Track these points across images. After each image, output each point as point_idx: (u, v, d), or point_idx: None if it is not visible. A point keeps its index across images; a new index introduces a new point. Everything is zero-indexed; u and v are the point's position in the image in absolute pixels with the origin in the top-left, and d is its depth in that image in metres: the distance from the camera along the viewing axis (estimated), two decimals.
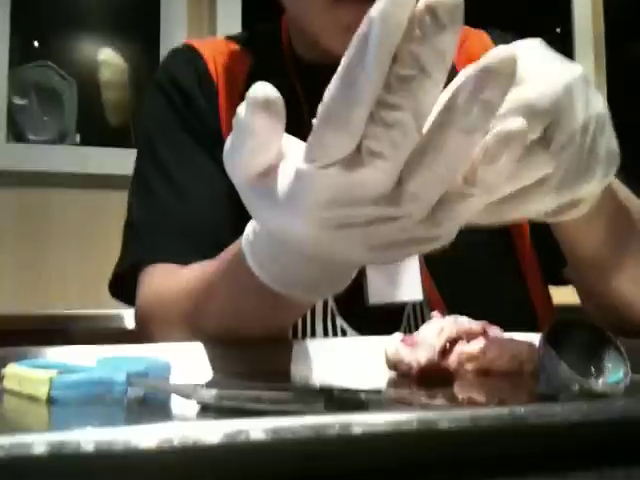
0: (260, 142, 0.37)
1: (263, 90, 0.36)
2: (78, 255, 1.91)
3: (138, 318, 0.69)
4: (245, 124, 0.36)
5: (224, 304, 0.55)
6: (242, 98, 0.37)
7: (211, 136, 0.72)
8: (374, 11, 0.31)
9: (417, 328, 0.52)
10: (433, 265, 0.68)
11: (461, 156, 0.34)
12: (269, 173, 0.38)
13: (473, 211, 0.37)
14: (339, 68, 0.33)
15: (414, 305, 0.69)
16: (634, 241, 0.60)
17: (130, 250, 0.74)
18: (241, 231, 0.47)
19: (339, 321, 0.68)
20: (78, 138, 1.98)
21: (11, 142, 1.92)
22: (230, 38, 0.83)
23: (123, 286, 0.76)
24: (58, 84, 1.98)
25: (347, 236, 0.37)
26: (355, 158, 0.34)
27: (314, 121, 0.35)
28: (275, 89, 0.36)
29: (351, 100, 0.33)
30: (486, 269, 0.72)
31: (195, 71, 0.77)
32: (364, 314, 0.68)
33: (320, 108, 0.34)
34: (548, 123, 0.40)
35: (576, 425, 0.31)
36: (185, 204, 0.70)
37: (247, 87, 0.36)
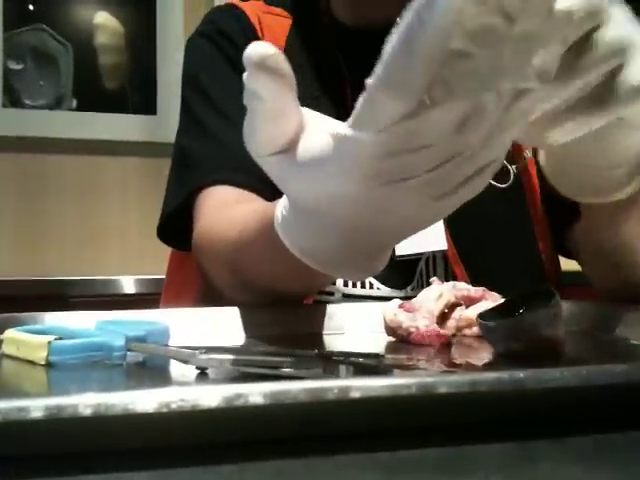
0: (272, 111, 0.36)
1: (256, 50, 0.34)
2: (75, 221, 1.91)
3: (193, 248, 0.68)
4: (251, 91, 0.35)
5: (262, 264, 0.55)
6: None
7: None
8: None
9: (429, 283, 0.52)
10: (451, 219, 0.68)
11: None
12: (293, 147, 0.37)
13: (529, 111, 0.36)
14: (399, 25, 0.32)
15: (427, 259, 0.69)
16: None
17: (185, 180, 0.73)
18: None
19: None
20: (75, 103, 1.96)
21: (7, 107, 1.90)
22: (269, 2, 0.81)
23: (174, 228, 0.74)
24: (54, 48, 1.96)
25: (406, 191, 0.36)
26: (418, 108, 0.33)
27: (368, 82, 0.33)
28: (270, 45, 0.35)
29: (415, 57, 0.31)
30: (501, 226, 0.72)
31: (240, 24, 0.76)
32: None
33: (378, 69, 0.33)
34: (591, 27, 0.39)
35: (574, 390, 0.31)
36: (235, 130, 0.69)
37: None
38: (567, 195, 0.51)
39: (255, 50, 0.35)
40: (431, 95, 0.33)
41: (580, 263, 0.69)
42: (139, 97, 1.98)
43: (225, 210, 0.66)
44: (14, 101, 1.92)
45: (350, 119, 0.35)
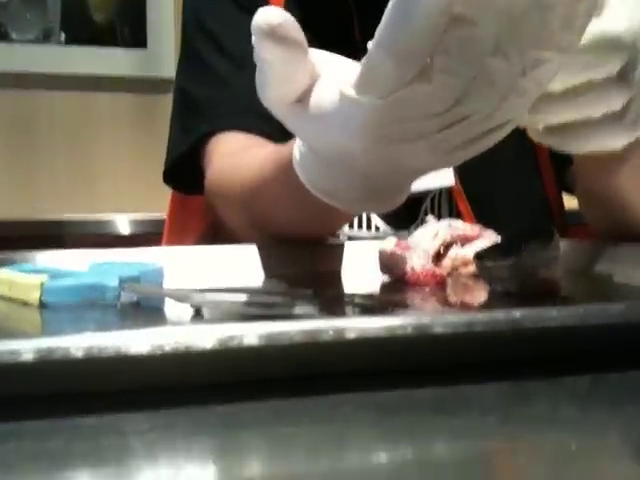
0: (283, 73, 0.35)
1: (264, 18, 0.33)
2: (67, 158, 1.89)
3: (207, 192, 0.68)
4: (261, 59, 0.35)
5: (278, 206, 0.55)
6: None
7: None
8: None
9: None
10: None
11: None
12: (306, 97, 0.36)
13: (548, 79, 0.36)
14: None
15: (432, 198, 0.69)
16: None
17: (192, 125, 0.71)
18: None
19: None
20: (63, 37, 1.91)
21: None
22: None
23: (181, 172, 0.73)
24: None
25: (416, 148, 0.35)
26: (421, 75, 0.32)
27: (369, 46, 0.33)
28: (280, 11, 0.34)
29: (414, 23, 0.30)
30: (508, 163, 0.71)
31: None
32: None
33: (377, 33, 0.32)
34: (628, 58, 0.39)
35: (571, 329, 0.31)
36: (244, 73, 0.67)
37: None
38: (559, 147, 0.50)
39: (264, 18, 0.33)
40: (434, 62, 0.32)
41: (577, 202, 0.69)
42: (129, 30, 1.93)
43: (238, 155, 0.65)
44: (0, 35, 1.88)
45: (354, 80, 0.34)
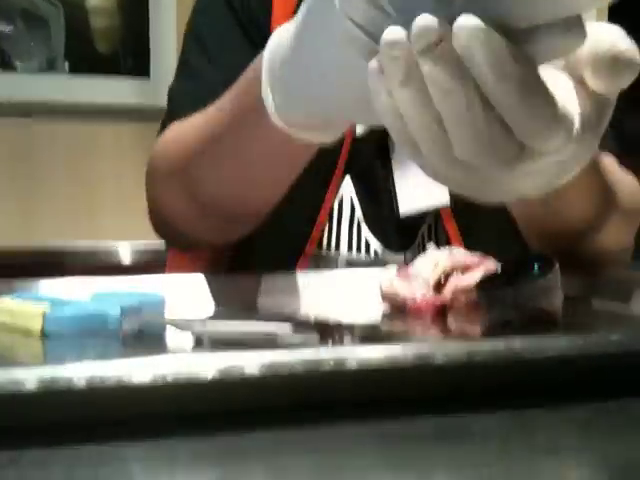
0: None
1: None
2: (68, 186, 1.89)
3: (147, 180, 0.65)
4: None
5: (223, 146, 0.54)
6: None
7: (259, 31, 0.70)
8: None
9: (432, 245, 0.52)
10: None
11: None
12: None
13: None
14: None
15: (429, 227, 0.69)
16: (613, 210, 0.60)
17: (163, 121, 0.70)
18: None
19: (364, 231, 0.69)
20: (67, 66, 1.93)
21: None
22: None
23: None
24: (45, 9, 1.92)
25: None
26: None
27: None
28: None
29: None
30: None
31: None
32: (388, 227, 0.68)
33: None
34: None
35: (570, 358, 0.31)
36: (217, 67, 0.68)
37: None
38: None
39: None
40: None
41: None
42: (132, 60, 1.95)
43: (181, 124, 0.63)
44: (4, 64, 1.90)
45: None
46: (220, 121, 0.55)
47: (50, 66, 1.91)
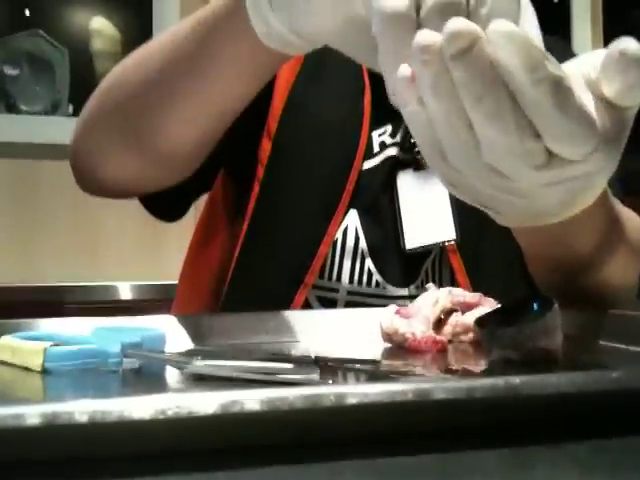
0: None
1: None
2: (71, 227, 1.90)
3: (81, 125, 0.67)
4: None
5: (183, 87, 0.53)
6: None
7: None
8: None
9: (433, 280, 0.52)
10: (459, 209, 0.67)
11: None
12: None
13: None
14: None
15: (433, 260, 0.69)
16: (621, 244, 0.60)
17: None
18: None
19: (368, 264, 0.68)
20: (71, 109, 1.96)
21: (2, 113, 1.90)
22: None
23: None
24: (50, 53, 1.96)
25: None
26: None
27: None
28: None
29: None
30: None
31: None
32: (392, 261, 0.68)
33: None
34: None
35: (570, 396, 0.32)
36: None
37: None
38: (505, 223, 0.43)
39: None
40: None
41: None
42: None
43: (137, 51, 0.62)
44: (9, 106, 1.92)
45: None
46: (185, 33, 0.53)
47: (54, 109, 1.94)
